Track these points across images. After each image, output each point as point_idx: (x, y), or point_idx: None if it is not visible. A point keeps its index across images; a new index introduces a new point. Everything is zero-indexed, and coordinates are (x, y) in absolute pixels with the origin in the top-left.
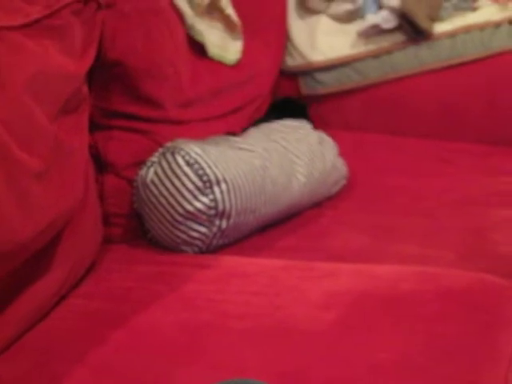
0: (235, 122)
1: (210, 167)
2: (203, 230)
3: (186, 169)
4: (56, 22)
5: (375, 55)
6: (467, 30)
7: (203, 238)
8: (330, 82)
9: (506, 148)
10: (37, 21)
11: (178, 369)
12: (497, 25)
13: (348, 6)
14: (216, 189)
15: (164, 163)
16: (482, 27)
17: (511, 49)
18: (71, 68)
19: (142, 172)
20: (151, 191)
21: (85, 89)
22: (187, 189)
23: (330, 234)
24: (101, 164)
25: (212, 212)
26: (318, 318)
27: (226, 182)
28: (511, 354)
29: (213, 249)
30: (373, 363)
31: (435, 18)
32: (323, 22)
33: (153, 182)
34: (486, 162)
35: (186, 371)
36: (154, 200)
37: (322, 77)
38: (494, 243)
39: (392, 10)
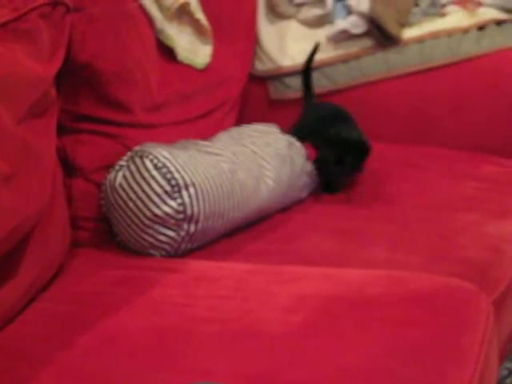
0: (204, 126)
1: (178, 171)
2: (171, 233)
3: (155, 173)
4: (24, 25)
5: (344, 60)
6: (435, 35)
7: (171, 241)
8: (299, 87)
9: (473, 153)
10: (4, 24)
11: (146, 372)
12: (465, 31)
13: (317, 11)
14: (184, 193)
15: (132, 167)
16: (450, 33)
17: (479, 55)
18: (39, 71)
19: (111, 176)
20: (119, 195)
21: (53, 92)
22: (155, 193)
23: (299, 238)
24: (69, 167)
25: (180, 216)
26: (286, 321)
27: (194, 186)
28: (477, 357)
29: (181, 253)
30: (340, 366)
31: (404, 23)
32: (293, 27)
33: (121, 185)
34: (454, 166)
35: (154, 375)
36: (122, 204)
37: (291, 81)
38: (460, 247)
39: (361, 15)
